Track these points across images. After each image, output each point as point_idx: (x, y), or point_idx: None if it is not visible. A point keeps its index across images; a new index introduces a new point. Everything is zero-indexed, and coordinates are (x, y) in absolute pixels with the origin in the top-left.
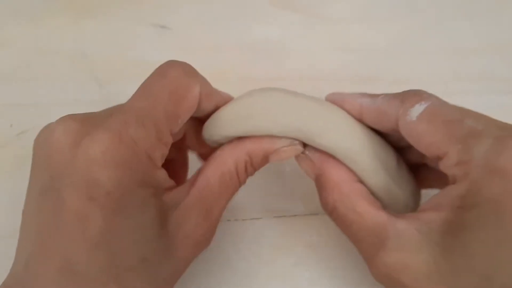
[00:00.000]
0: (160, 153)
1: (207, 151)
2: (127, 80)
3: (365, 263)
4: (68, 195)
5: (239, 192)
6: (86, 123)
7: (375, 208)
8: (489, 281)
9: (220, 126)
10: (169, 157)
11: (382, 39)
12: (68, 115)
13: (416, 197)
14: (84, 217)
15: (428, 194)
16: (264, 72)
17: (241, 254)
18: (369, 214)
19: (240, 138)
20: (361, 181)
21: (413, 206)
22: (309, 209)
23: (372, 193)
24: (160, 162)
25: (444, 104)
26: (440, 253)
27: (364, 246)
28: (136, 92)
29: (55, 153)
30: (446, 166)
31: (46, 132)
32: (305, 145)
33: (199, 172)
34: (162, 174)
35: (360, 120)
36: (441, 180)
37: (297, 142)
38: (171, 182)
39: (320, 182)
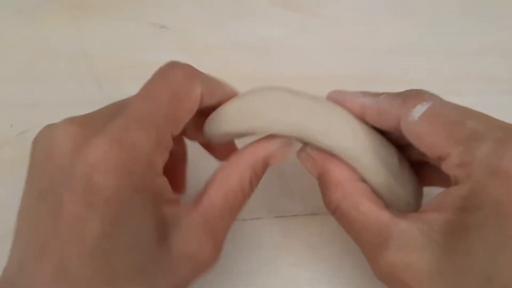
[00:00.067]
0: (161, 158)
1: (208, 141)
2: (127, 80)
3: (365, 263)
4: (67, 200)
5: None
6: (86, 127)
7: (378, 207)
8: (490, 282)
9: (221, 123)
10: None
11: (382, 39)
12: (68, 118)
13: (418, 195)
14: (82, 223)
15: (430, 193)
16: (264, 72)
17: (241, 254)
18: (372, 213)
19: (238, 151)
20: (363, 180)
21: (415, 204)
22: (309, 209)
23: (374, 192)
24: (160, 168)
25: (446, 104)
26: (442, 253)
27: (366, 245)
28: (137, 94)
29: (55, 158)
30: (448, 167)
31: (46, 135)
32: (307, 143)
33: (203, 192)
34: (163, 181)
35: (362, 119)
36: (443, 178)
37: (291, 139)
38: (173, 194)
39: (322, 181)
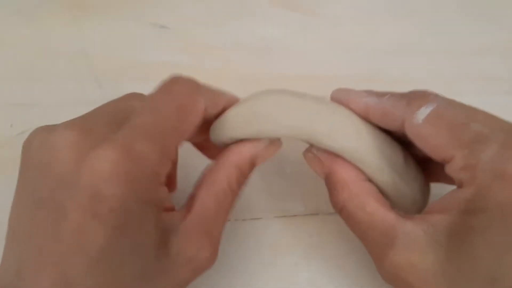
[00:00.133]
0: (165, 169)
1: (209, 146)
2: (127, 80)
3: (365, 263)
4: (70, 209)
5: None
6: (88, 135)
7: (384, 208)
8: (495, 283)
9: (227, 129)
10: None
11: (382, 39)
12: (66, 123)
13: (425, 193)
14: (84, 232)
15: (437, 191)
16: (264, 72)
17: (241, 254)
18: (378, 213)
19: (223, 150)
20: (370, 180)
21: (422, 202)
22: (309, 209)
23: (381, 191)
24: (164, 178)
25: (451, 105)
26: (446, 254)
27: (372, 245)
28: (142, 106)
29: (56, 166)
30: (452, 170)
31: (43, 140)
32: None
33: (193, 195)
34: (164, 191)
35: (366, 119)
36: (449, 174)
37: (277, 139)
38: (170, 202)
39: (329, 181)
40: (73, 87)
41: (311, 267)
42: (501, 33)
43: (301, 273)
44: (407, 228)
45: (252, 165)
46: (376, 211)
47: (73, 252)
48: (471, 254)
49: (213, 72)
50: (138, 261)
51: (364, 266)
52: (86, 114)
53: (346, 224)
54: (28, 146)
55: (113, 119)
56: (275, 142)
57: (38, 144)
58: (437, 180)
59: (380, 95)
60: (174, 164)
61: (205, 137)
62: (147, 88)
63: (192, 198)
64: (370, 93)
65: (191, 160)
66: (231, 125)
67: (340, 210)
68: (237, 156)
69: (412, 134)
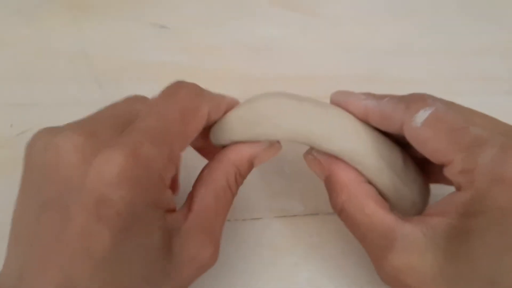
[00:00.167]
0: (171, 173)
1: (209, 148)
2: (127, 80)
3: (365, 263)
4: (76, 212)
5: (240, 193)
6: (94, 138)
7: (384, 210)
8: (493, 285)
9: (227, 132)
10: None
11: (382, 39)
12: (71, 125)
13: (425, 194)
14: (90, 235)
15: (435, 192)
16: (263, 72)
17: (241, 254)
18: (377, 215)
19: (222, 150)
20: (369, 182)
21: (421, 203)
22: (309, 209)
23: (380, 193)
24: (169, 182)
25: (449, 108)
26: (445, 257)
27: (372, 247)
28: (147, 111)
29: (61, 169)
30: (451, 174)
31: (47, 143)
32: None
33: (192, 194)
34: (169, 194)
35: (365, 121)
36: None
37: (276, 141)
38: (173, 203)
39: (329, 183)
40: (73, 87)
41: (311, 267)
42: (501, 33)
43: (301, 273)
44: (406, 230)
45: (250, 165)
46: (375, 213)
47: (78, 255)
48: (470, 256)
49: (213, 72)
50: (143, 263)
51: (364, 266)
52: (90, 116)
53: (345, 225)
54: (31, 148)
55: (117, 122)
56: (274, 144)
57: (42, 146)
58: (437, 181)
59: (379, 97)
60: (177, 167)
61: (206, 141)
62: (147, 88)
63: (191, 197)
64: (369, 95)
65: (191, 161)
66: (231, 128)
67: (340, 211)
68: (236, 155)
69: (410, 137)
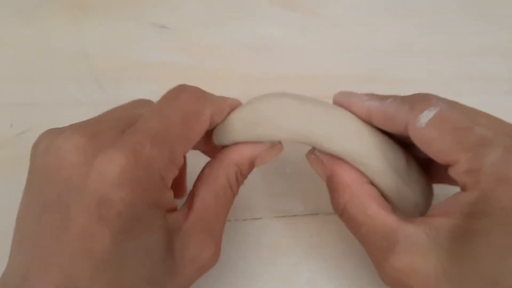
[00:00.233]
0: (172, 175)
1: (211, 149)
2: (127, 80)
3: (365, 264)
4: (76, 213)
5: (240, 192)
6: (96, 139)
7: (386, 211)
8: (496, 286)
9: (229, 133)
10: None
11: (382, 39)
12: (73, 126)
13: (427, 196)
14: (91, 236)
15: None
16: (264, 71)
17: (241, 254)
18: (380, 217)
19: (223, 149)
20: (372, 183)
21: (424, 205)
22: (309, 209)
23: (382, 194)
24: (170, 183)
25: (454, 108)
26: (448, 258)
27: (373, 248)
28: (149, 113)
29: (63, 169)
30: (456, 174)
31: (50, 144)
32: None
33: (193, 193)
34: (170, 195)
35: (369, 122)
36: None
37: (278, 142)
38: (174, 203)
39: (331, 184)
40: (73, 87)
41: (311, 267)
42: (501, 33)
43: (301, 273)
44: (408, 231)
45: (251, 165)
46: (377, 214)
47: (78, 256)
48: (474, 257)
49: (213, 72)
50: (144, 263)
51: (365, 266)
52: (93, 118)
53: (347, 227)
54: (35, 149)
55: (119, 124)
56: (276, 145)
57: (44, 147)
58: (440, 181)
59: (382, 98)
60: (183, 170)
61: (210, 144)
62: (147, 88)
63: (192, 196)
64: (372, 96)
65: (191, 160)
66: (233, 129)
67: (341, 212)
68: (237, 155)
69: (415, 138)
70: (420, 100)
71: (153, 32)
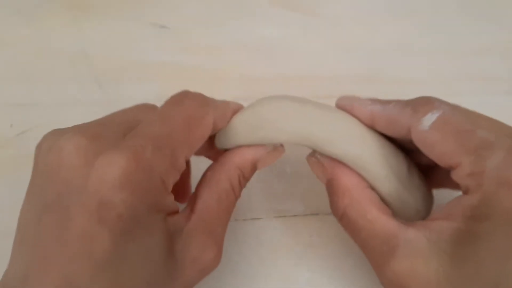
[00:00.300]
0: (173, 179)
1: (214, 154)
2: (127, 80)
3: (365, 264)
4: (76, 214)
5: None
6: (97, 141)
7: (386, 216)
8: None
9: (231, 136)
10: None
11: (382, 39)
12: (75, 128)
13: (428, 202)
14: (91, 237)
15: (440, 197)
16: (264, 72)
17: (241, 254)
18: (380, 221)
19: (225, 152)
20: (372, 188)
21: (425, 211)
22: (309, 209)
23: (383, 200)
24: (171, 187)
25: (456, 111)
26: (450, 262)
27: (373, 253)
28: (152, 117)
29: (63, 171)
30: (459, 177)
31: (52, 145)
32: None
33: (195, 196)
34: (171, 199)
35: (371, 127)
36: (453, 181)
37: (279, 145)
38: (175, 206)
39: (331, 187)
40: (73, 87)
41: (311, 267)
42: (501, 33)
43: (301, 273)
44: (409, 235)
45: (253, 168)
46: (377, 218)
47: (78, 257)
48: (476, 260)
49: (213, 72)
50: (145, 265)
51: (364, 266)
52: (96, 120)
53: (346, 231)
54: (38, 150)
55: (122, 127)
56: (278, 148)
57: (46, 148)
58: (441, 186)
59: (385, 103)
60: (188, 175)
61: (214, 149)
62: (147, 88)
63: (194, 198)
64: (374, 101)
65: (193, 163)
66: (235, 132)
67: (341, 217)
68: (239, 158)
69: (418, 141)
70: (423, 103)
71: (153, 32)
